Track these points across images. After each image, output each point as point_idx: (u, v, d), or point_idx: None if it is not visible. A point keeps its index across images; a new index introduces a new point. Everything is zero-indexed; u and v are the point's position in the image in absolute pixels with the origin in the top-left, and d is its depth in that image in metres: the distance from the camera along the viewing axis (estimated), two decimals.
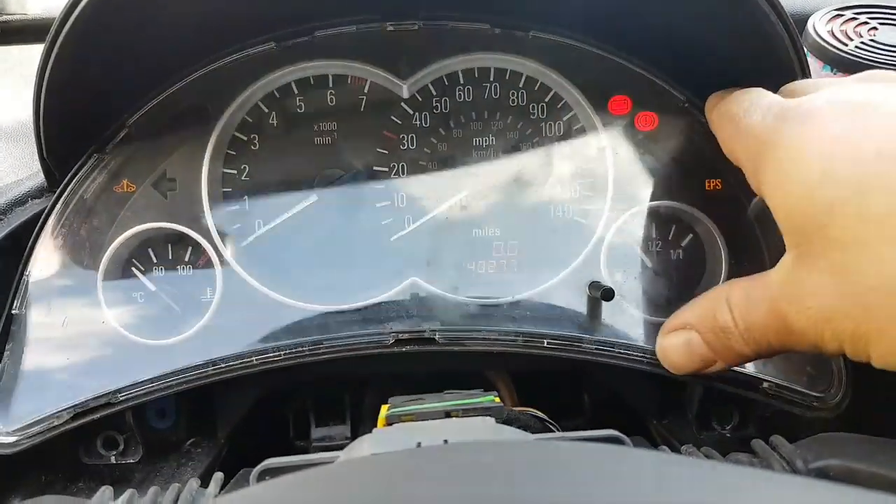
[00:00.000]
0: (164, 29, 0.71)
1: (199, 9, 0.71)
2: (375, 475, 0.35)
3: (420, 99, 0.80)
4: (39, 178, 0.79)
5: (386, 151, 0.80)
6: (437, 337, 0.73)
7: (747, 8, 0.64)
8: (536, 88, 0.80)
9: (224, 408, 0.79)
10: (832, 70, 0.88)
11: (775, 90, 0.65)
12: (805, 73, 0.70)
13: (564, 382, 0.88)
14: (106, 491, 0.54)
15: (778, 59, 0.68)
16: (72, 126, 0.74)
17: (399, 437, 0.50)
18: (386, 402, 0.68)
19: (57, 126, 0.72)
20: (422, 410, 0.55)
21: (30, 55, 1.08)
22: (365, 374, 0.83)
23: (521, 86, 0.80)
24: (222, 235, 0.77)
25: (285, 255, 0.78)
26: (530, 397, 0.81)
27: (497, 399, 0.57)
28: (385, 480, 0.34)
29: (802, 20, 0.94)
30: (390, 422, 0.54)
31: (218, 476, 0.58)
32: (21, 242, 0.74)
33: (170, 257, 0.77)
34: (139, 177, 0.77)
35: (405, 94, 0.79)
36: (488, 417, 0.53)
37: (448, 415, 0.55)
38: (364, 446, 0.49)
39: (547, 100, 0.80)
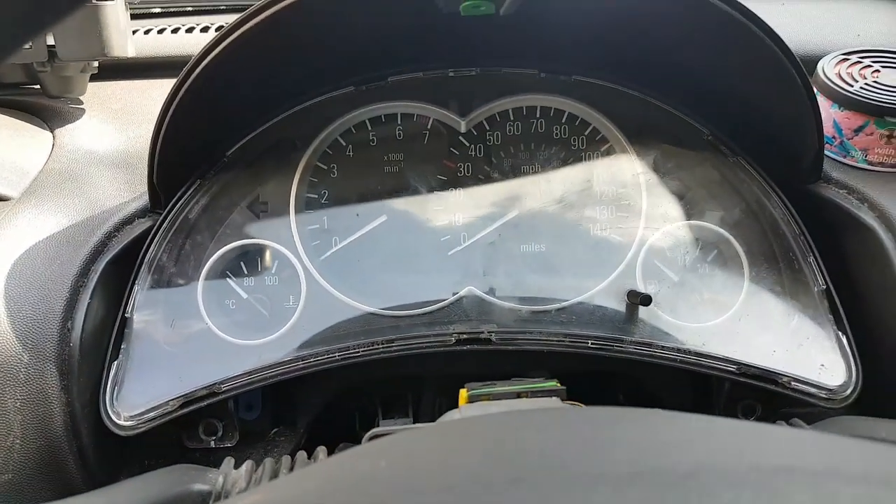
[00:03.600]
0: (265, 75, 0.84)
1: (300, 56, 0.84)
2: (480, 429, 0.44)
3: (475, 133, 0.92)
4: (143, 201, 0.91)
5: (445, 178, 0.92)
6: (493, 338, 0.83)
7: (764, 55, 0.76)
8: (577, 124, 0.92)
9: (303, 403, 0.90)
10: (839, 108, 0.98)
11: (787, 126, 0.76)
12: (815, 111, 0.81)
13: (600, 385, 0.98)
14: (230, 461, 0.64)
15: (791, 99, 0.79)
16: (179, 157, 0.86)
17: (483, 410, 0.60)
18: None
19: (167, 156, 0.84)
20: (497, 391, 0.64)
21: (113, 92, 1.18)
22: (425, 375, 0.93)
23: (563, 121, 0.92)
24: (305, 250, 0.89)
25: (359, 267, 0.89)
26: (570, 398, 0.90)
27: (558, 384, 0.66)
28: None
29: (812, 63, 1.05)
30: (472, 400, 0.64)
31: (321, 449, 0.68)
32: (132, 255, 0.86)
33: (259, 269, 0.89)
34: (235, 200, 0.89)
35: (463, 129, 0.92)
36: (554, 397, 0.63)
37: (518, 396, 0.64)
38: (455, 416, 0.59)
39: (586, 133, 0.92)
